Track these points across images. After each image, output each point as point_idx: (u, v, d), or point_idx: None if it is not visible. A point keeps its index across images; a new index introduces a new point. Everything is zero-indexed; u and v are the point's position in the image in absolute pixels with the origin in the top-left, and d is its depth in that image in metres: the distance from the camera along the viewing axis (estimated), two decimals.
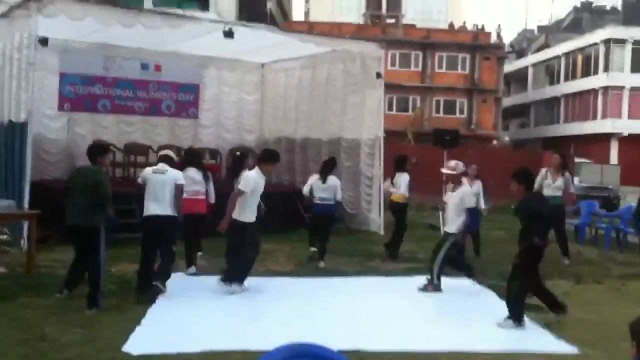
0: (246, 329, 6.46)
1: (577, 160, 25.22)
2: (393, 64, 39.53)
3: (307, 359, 3.24)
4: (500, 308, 7.65)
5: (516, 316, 6.79)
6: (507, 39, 60.01)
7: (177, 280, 8.16)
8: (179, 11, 17.75)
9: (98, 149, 7.72)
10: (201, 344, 5.81)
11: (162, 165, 7.80)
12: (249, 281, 8.28)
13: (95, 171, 7.19)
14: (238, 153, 12.40)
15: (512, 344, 6.17)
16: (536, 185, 11.03)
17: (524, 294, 6.96)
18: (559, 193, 11.02)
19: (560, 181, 11.03)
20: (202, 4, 26.55)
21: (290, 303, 7.54)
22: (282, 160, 16.13)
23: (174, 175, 7.72)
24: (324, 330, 6.32)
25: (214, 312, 7.08)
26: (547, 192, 10.90)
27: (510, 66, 51.93)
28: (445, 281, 8.97)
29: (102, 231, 7.07)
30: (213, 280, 8.10)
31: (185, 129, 16.02)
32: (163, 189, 7.52)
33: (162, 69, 15.36)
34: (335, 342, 5.72)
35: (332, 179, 10.42)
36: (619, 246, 12.93)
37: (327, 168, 10.55)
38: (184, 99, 15.90)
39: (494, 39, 44.49)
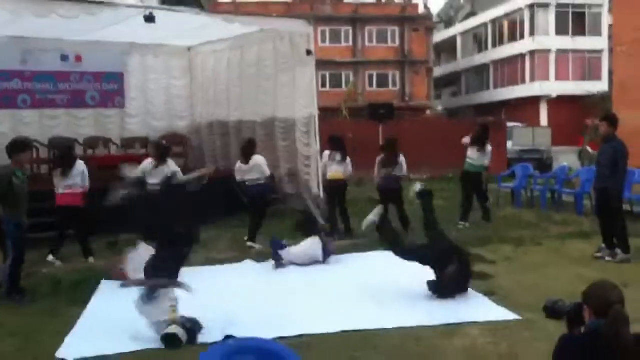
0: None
1: (509, 124, 25.65)
2: (324, 41, 39.39)
3: (247, 355, 3.13)
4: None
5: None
6: (435, 9, 60.57)
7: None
8: None
9: (13, 147, 7.38)
10: (139, 343, 5.56)
11: None
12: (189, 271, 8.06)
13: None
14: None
15: (456, 316, 6.12)
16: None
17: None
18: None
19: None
20: None
21: (230, 292, 7.31)
22: (217, 145, 15.93)
23: None
24: (265, 318, 6.16)
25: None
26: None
27: (439, 36, 52.50)
28: (374, 256, 9.00)
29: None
30: None
31: (111, 119, 15.45)
32: None
33: (84, 59, 14.75)
34: (277, 330, 5.63)
35: (255, 158, 10.38)
36: (555, 207, 13.18)
37: (247, 150, 10.46)
38: (108, 89, 15.33)
39: (421, 10, 44.79)
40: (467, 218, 11.47)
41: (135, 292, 6.17)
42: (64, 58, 14.56)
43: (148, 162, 10.00)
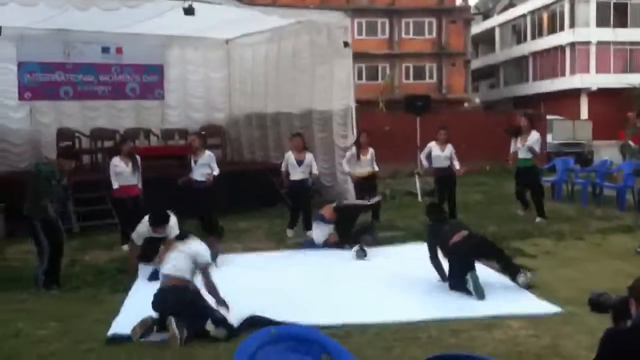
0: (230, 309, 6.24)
1: (548, 117, 25.26)
2: (360, 33, 39.17)
3: (287, 341, 3.16)
4: (481, 274, 7.63)
5: None
6: (472, 0, 59.82)
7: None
8: None
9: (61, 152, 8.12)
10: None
11: None
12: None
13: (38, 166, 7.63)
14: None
15: (497, 308, 6.08)
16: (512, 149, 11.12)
17: None
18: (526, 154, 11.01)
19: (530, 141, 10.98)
20: None
21: (270, 280, 7.38)
22: (254, 136, 16.03)
23: None
24: (305, 306, 6.22)
25: None
26: (520, 154, 10.96)
27: (477, 28, 51.80)
28: (415, 248, 8.92)
29: (37, 222, 7.17)
30: None
31: (151, 111, 15.69)
32: None
33: (124, 52, 15.00)
34: (316, 318, 5.67)
35: (307, 156, 10.49)
36: (596, 201, 12.97)
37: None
38: (148, 81, 15.55)
39: (459, 1, 44.27)
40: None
41: None
42: (105, 50, 14.82)
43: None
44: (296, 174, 10.36)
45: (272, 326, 3.17)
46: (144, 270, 7.78)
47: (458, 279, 6.66)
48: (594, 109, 39.14)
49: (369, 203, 10.10)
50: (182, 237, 6.12)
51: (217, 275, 7.44)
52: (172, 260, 5.76)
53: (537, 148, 11.00)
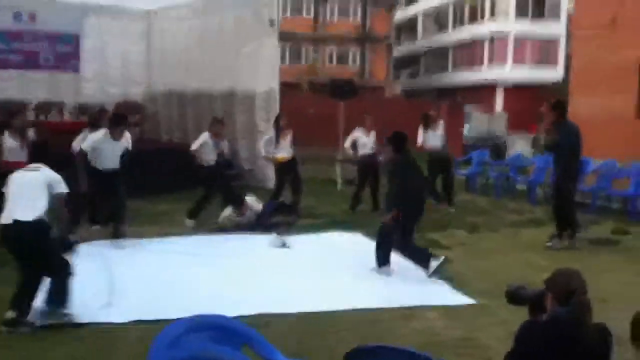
0: (142, 298, 6.04)
1: (466, 109, 25.87)
2: (285, 12, 38.80)
3: (206, 331, 3.07)
4: (394, 262, 7.69)
5: None
6: None
7: None
8: None
9: None
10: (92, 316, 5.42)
11: None
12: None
13: None
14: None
15: (414, 299, 6.14)
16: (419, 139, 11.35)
17: None
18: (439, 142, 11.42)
19: (440, 130, 11.41)
20: None
21: (186, 268, 7.18)
22: (173, 115, 15.58)
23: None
24: (223, 296, 6.09)
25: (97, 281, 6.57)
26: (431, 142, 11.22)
27: (401, 14, 52.27)
28: (335, 237, 9.00)
29: None
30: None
31: (66, 83, 15.02)
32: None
33: (37, 18, 14.27)
34: (235, 308, 5.55)
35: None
36: (509, 194, 13.35)
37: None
38: (63, 51, 14.86)
39: None
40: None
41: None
42: (17, 16, 14.05)
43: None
44: (214, 156, 10.09)
45: (193, 315, 3.05)
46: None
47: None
48: (509, 100, 40.35)
49: None
50: None
51: (131, 262, 7.26)
52: None
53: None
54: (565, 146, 8.51)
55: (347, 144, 11.40)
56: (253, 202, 9.79)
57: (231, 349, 2.95)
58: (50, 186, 5.39)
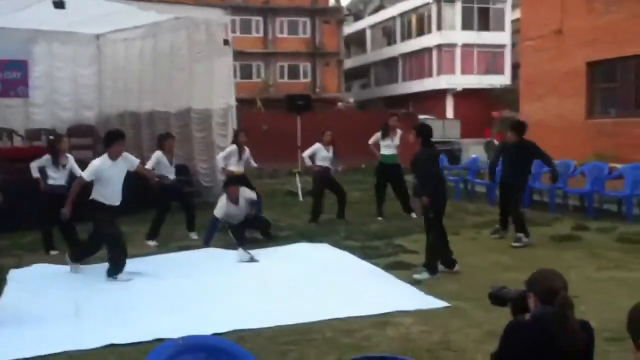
0: (112, 322, 5.88)
1: (420, 117, 26.20)
2: (234, 31, 38.64)
3: (198, 353, 3.00)
4: (362, 269, 7.71)
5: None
6: (344, 2, 61.02)
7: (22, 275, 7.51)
8: None
9: None
10: (56, 345, 5.23)
11: None
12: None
13: None
14: (51, 137, 11.27)
15: (387, 305, 6.13)
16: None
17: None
18: (395, 151, 11.45)
19: (397, 139, 11.40)
20: None
21: (153, 287, 7.04)
22: (128, 136, 15.29)
23: None
24: (197, 313, 5.99)
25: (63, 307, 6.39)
26: (384, 151, 11.29)
27: (349, 28, 52.88)
28: (302, 248, 8.95)
29: None
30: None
31: (15, 110, 14.62)
32: None
33: None
34: (211, 326, 5.47)
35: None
36: (468, 197, 13.53)
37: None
38: (10, 77, 14.50)
39: (332, 2, 44.98)
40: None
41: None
42: None
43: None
44: (170, 174, 9.99)
45: (180, 337, 2.97)
46: (14, 276, 7.25)
47: None
48: (460, 108, 41.10)
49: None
50: None
51: (96, 286, 7.08)
52: None
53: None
54: (519, 160, 9.15)
55: (306, 154, 11.37)
56: (246, 191, 9.63)
57: None
58: None
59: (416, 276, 7.25)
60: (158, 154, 9.91)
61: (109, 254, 7.53)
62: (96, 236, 7.74)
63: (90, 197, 7.37)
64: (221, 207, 9.33)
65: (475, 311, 5.97)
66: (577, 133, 15.29)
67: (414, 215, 11.24)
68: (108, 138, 7.66)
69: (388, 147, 11.38)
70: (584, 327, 3.09)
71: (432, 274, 7.31)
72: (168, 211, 10.03)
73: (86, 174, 7.41)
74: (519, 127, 9.36)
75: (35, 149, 13.46)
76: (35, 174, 9.08)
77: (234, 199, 9.39)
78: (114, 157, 7.46)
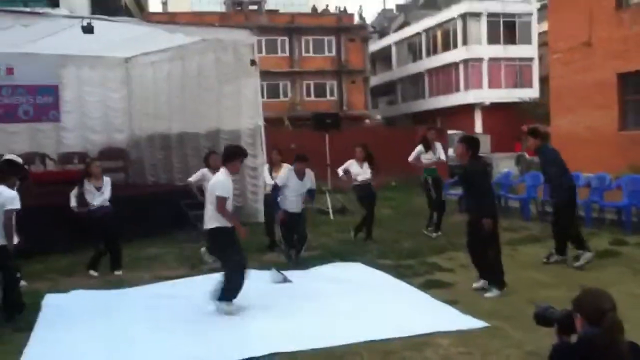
0: (152, 346, 5.84)
1: (449, 132, 26.01)
2: (260, 51, 38.75)
3: None
4: (398, 288, 7.58)
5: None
6: (368, 20, 61.21)
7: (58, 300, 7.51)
8: (27, 9, 16.38)
9: None
10: None
11: None
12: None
13: None
14: (88, 160, 11.44)
15: (424, 326, 5.99)
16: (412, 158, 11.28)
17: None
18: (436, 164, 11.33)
19: (438, 152, 11.26)
20: (51, 1, 24.53)
21: (185, 311, 6.97)
22: (157, 158, 15.49)
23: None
24: (230, 338, 5.91)
25: (104, 331, 6.39)
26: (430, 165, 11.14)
27: (375, 46, 53.02)
28: (335, 268, 8.85)
29: None
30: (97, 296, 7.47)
31: (46, 134, 14.85)
32: None
33: (16, 72, 14.16)
34: (245, 349, 5.41)
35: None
36: (501, 212, 13.29)
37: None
38: (42, 102, 14.73)
39: (356, 20, 45.15)
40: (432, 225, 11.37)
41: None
42: None
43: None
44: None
45: None
46: (50, 301, 7.26)
47: None
48: (488, 122, 40.80)
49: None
50: None
51: (126, 311, 7.04)
52: None
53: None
54: (551, 166, 8.62)
55: (340, 169, 11.31)
56: (311, 173, 9.65)
57: None
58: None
59: (488, 295, 7.18)
60: (203, 170, 10.09)
61: (226, 279, 6.86)
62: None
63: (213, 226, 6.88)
64: (284, 177, 9.37)
65: (515, 331, 5.81)
66: (609, 145, 15.03)
67: (434, 234, 11.07)
68: (230, 153, 7.23)
69: (430, 161, 11.25)
70: (633, 350, 2.96)
71: (501, 289, 7.23)
72: None
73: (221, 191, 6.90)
74: (536, 132, 8.91)
75: (67, 173, 13.68)
76: (73, 203, 9.14)
77: (300, 173, 9.40)
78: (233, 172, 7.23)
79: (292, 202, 9.32)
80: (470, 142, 7.41)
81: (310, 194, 9.70)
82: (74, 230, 9.33)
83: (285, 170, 9.60)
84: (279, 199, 9.44)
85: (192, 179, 10.16)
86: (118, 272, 9.20)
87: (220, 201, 6.71)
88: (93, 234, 9.17)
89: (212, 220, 6.81)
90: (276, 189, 9.64)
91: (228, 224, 6.81)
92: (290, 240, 9.32)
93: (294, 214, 9.34)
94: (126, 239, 11.02)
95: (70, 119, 15.20)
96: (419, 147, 11.26)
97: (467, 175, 7.39)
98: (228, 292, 6.78)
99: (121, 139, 15.90)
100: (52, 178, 13.07)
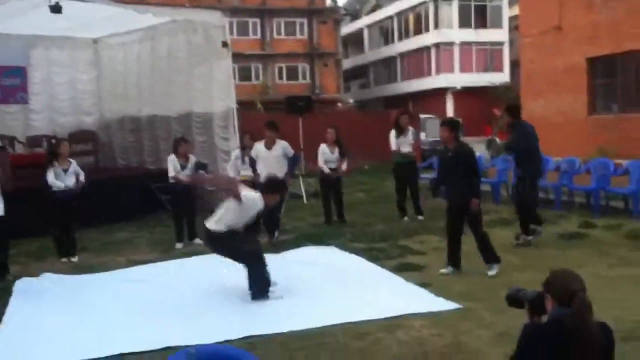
0: (124, 329, 5.81)
1: (421, 116, 26.12)
2: (231, 33, 38.58)
3: None
4: (371, 271, 7.63)
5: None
6: (340, 2, 60.95)
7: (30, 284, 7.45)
8: None
9: None
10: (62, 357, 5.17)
11: None
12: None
13: None
14: (53, 140, 11.32)
15: (397, 308, 6.05)
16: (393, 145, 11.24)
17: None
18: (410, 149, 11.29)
19: (410, 137, 11.24)
20: None
21: (161, 295, 6.93)
22: (128, 141, 15.30)
23: None
24: (206, 321, 5.91)
25: (78, 316, 6.32)
26: (403, 148, 11.14)
27: (347, 29, 52.85)
28: (309, 251, 8.87)
29: None
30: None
31: (14, 116, 14.56)
32: None
33: None
34: (221, 333, 5.40)
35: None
36: None
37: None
38: (9, 84, 14.42)
39: (328, 2, 44.93)
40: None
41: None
42: None
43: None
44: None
45: (192, 346, 2.91)
46: (22, 286, 7.21)
47: None
48: (459, 106, 41.06)
49: None
50: None
51: (104, 294, 7.00)
52: None
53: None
54: (522, 145, 8.73)
55: (320, 162, 11.18)
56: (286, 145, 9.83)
57: None
58: None
59: (491, 272, 7.32)
60: (171, 157, 9.94)
61: (250, 274, 6.63)
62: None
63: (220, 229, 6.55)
64: (254, 149, 9.60)
65: (486, 312, 5.90)
66: (579, 129, 15.23)
67: (420, 217, 11.14)
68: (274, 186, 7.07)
69: (402, 146, 11.23)
70: (602, 329, 3.03)
71: (499, 263, 7.43)
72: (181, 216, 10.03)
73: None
74: (512, 108, 9.06)
75: (36, 156, 13.46)
76: (51, 179, 8.96)
77: (269, 142, 9.53)
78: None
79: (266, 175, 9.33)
80: (453, 125, 7.48)
81: (291, 161, 9.71)
82: (47, 212, 9.17)
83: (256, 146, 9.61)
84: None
85: (174, 173, 9.82)
86: (73, 259, 9.08)
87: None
88: (51, 217, 9.02)
89: (220, 223, 6.52)
90: (252, 165, 9.69)
91: (236, 228, 6.56)
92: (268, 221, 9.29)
93: None
94: (96, 224, 10.99)
95: (39, 100, 14.91)
96: (392, 132, 11.27)
97: (458, 157, 7.37)
98: (260, 291, 6.55)
99: (91, 122, 15.66)
100: (22, 161, 12.86)
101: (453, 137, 7.37)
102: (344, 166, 11.14)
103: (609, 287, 6.41)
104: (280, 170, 9.59)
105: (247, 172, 10.39)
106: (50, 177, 8.90)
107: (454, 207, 7.57)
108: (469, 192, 7.35)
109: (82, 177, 9.18)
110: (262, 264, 6.66)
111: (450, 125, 7.48)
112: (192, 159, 10.08)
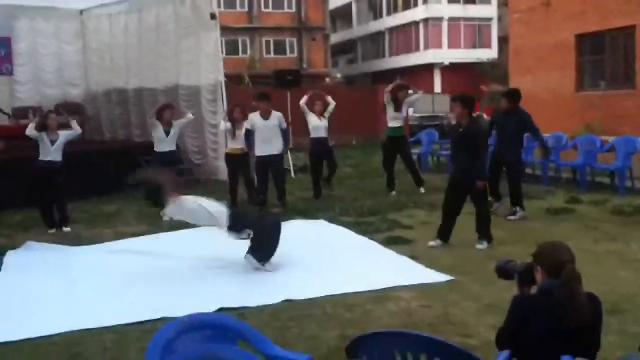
0: (115, 301, 5.82)
1: (410, 91, 26.07)
2: (218, 5, 38.15)
3: (203, 330, 2.96)
4: (361, 244, 7.69)
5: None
6: None
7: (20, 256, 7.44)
8: None
9: None
10: (51, 327, 5.17)
11: None
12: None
13: None
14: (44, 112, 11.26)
15: (387, 280, 6.10)
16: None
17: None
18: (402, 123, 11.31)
19: (404, 111, 11.34)
20: None
21: (152, 267, 6.94)
22: (114, 113, 15.20)
23: None
24: (197, 292, 5.94)
25: (68, 286, 6.33)
26: (393, 123, 11.18)
27: (335, 2, 52.35)
28: (299, 225, 8.89)
29: None
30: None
31: None
32: None
33: None
34: (212, 303, 5.43)
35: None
36: None
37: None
38: None
39: None
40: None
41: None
42: None
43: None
44: (165, 146, 9.95)
45: (184, 315, 2.93)
46: (12, 258, 7.24)
47: None
48: (447, 82, 40.96)
49: None
50: None
51: (94, 266, 7.02)
52: None
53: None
54: (513, 131, 8.98)
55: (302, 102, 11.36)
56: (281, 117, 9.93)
57: (229, 346, 2.84)
58: None
59: (479, 246, 7.42)
60: (155, 122, 10.15)
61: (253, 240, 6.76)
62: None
63: None
64: (250, 120, 9.63)
65: (473, 284, 5.97)
66: (567, 105, 15.29)
67: (422, 189, 11.21)
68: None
69: (396, 120, 11.25)
70: (591, 300, 3.07)
71: (490, 242, 7.48)
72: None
73: None
74: (515, 94, 9.20)
75: (22, 128, 13.30)
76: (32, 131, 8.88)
77: (265, 113, 9.58)
78: None
79: (263, 148, 9.39)
80: (467, 101, 7.25)
81: (283, 135, 9.77)
82: (32, 183, 9.12)
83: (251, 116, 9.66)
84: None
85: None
86: (66, 229, 9.07)
87: None
88: (35, 187, 8.98)
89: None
90: (248, 137, 9.72)
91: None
92: (263, 190, 9.47)
93: (271, 156, 9.35)
94: (83, 196, 10.95)
95: (24, 72, 14.77)
96: (391, 105, 11.24)
97: (469, 135, 7.22)
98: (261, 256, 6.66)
99: (77, 94, 15.53)
100: (8, 133, 12.75)
101: (467, 114, 7.21)
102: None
103: (595, 262, 6.50)
104: (276, 140, 9.67)
105: (236, 146, 10.35)
106: (33, 131, 8.86)
107: (457, 185, 7.51)
108: (476, 173, 7.31)
109: (75, 128, 9.33)
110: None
111: (463, 101, 7.24)
112: (176, 125, 10.11)
